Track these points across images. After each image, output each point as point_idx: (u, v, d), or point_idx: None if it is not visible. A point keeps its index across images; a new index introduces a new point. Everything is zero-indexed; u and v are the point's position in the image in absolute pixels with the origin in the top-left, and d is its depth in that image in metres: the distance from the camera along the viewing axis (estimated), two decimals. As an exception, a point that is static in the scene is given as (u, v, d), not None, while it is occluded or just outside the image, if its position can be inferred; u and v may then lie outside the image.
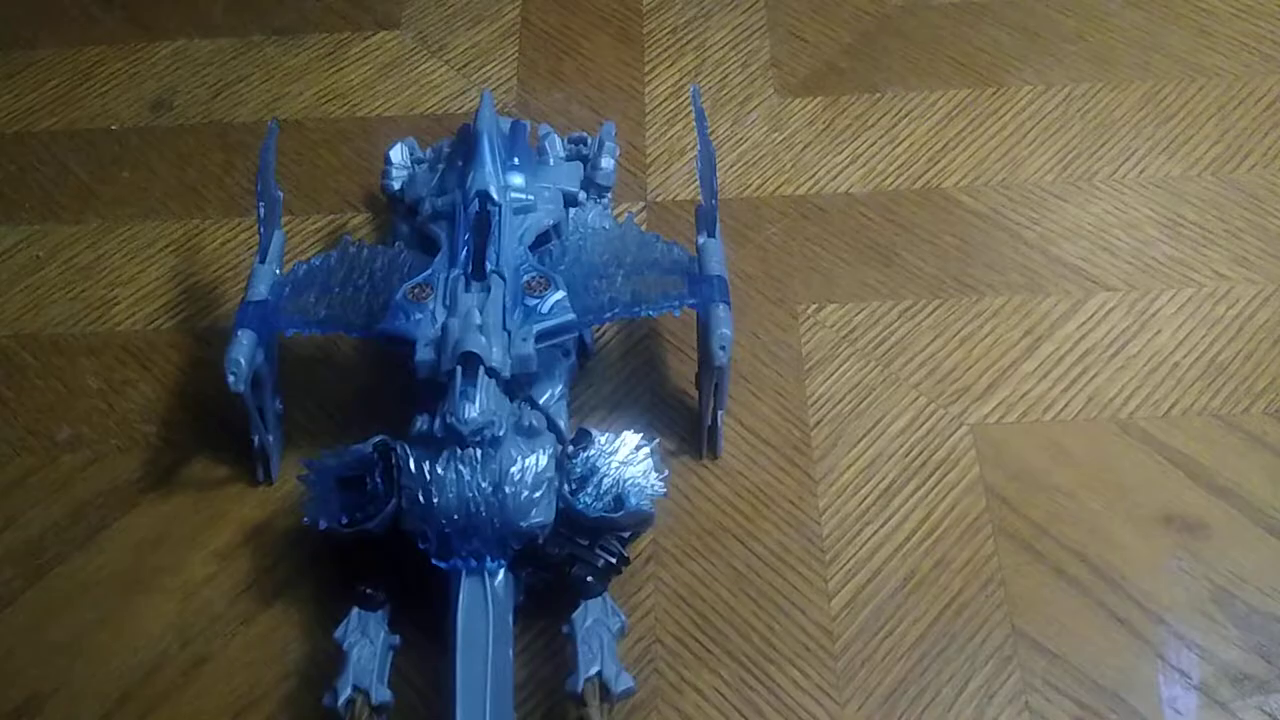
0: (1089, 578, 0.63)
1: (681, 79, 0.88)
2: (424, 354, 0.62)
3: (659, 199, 0.81)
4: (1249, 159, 0.81)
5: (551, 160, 0.74)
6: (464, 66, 0.90)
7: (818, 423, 0.70)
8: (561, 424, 0.66)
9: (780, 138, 0.84)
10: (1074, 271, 0.76)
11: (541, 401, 0.65)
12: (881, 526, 0.66)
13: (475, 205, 0.68)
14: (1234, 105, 0.84)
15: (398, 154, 0.77)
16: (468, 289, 0.64)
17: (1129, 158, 0.81)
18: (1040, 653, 0.61)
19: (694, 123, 0.75)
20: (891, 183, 0.81)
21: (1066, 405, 0.70)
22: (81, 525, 0.68)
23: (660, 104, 0.86)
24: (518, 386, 0.64)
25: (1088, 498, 0.66)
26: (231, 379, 0.62)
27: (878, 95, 0.86)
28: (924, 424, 0.69)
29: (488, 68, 0.89)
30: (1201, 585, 0.63)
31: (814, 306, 0.75)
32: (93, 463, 0.70)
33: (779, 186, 0.81)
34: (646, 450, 0.63)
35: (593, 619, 0.59)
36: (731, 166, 0.82)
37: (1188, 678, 0.60)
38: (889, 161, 0.82)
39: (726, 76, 0.88)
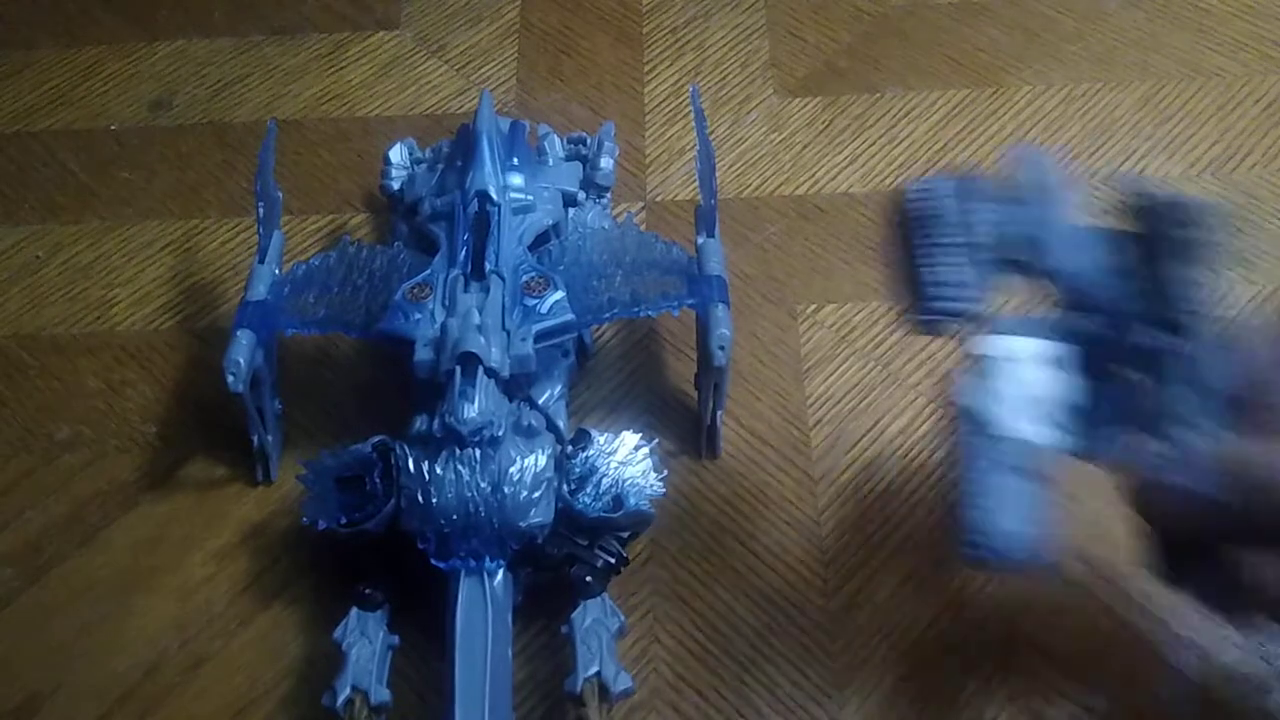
0: (1089, 578, 0.63)
1: (681, 79, 0.88)
2: (423, 354, 0.62)
3: (658, 199, 0.81)
4: (1249, 159, 0.81)
5: (551, 160, 0.74)
6: (464, 66, 0.90)
7: (817, 423, 0.70)
8: (561, 424, 0.65)
9: (780, 138, 0.84)
10: (1074, 271, 0.76)
11: (541, 401, 0.65)
12: (881, 526, 0.66)
13: (474, 205, 0.68)
14: (1234, 105, 0.84)
15: (397, 154, 0.77)
16: (467, 289, 0.64)
17: (1129, 158, 0.81)
18: (1040, 653, 0.61)
19: (693, 123, 0.75)
20: (891, 183, 0.81)
21: (1066, 405, 0.70)
22: (81, 525, 0.68)
23: (660, 104, 0.86)
24: (517, 387, 0.64)
25: (1087, 497, 0.66)
26: (231, 379, 0.62)
27: (877, 95, 0.86)
28: (924, 424, 0.69)
29: (487, 68, 0.89)
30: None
31: (813, 306, 0.75)
32: (92, 463, 0.70)
33: (779, 186, 0.81)
34: (646, 450, 0.63)
35: (592, 619, 0.59)
36: (731, 166, 0.82)
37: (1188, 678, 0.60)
38: (889, 161, 0.82)
39: (726, 76, 0.88)
